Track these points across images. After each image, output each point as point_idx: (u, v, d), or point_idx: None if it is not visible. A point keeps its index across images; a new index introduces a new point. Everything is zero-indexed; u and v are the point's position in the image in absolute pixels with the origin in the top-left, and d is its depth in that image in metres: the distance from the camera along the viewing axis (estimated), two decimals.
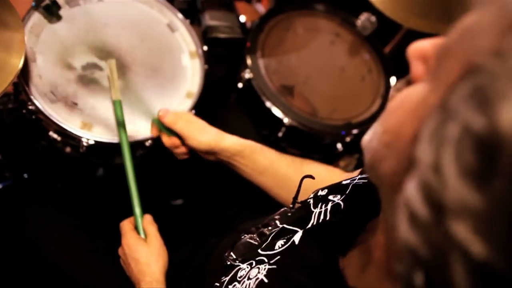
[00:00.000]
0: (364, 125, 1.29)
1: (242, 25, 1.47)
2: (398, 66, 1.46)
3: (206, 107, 1.12)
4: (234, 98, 1.31)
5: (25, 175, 1.31)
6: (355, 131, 1.27)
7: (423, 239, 0.28)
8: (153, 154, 1.13)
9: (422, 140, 0.30)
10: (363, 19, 1.37)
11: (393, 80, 1.42)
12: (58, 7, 0.99)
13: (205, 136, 0.88)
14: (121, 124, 0.93)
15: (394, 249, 0.41)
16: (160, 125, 0.95)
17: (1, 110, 1.06)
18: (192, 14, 1.38)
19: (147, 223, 0.85)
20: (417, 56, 0.38)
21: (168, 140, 0.92)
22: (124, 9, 1.10)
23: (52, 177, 1.28)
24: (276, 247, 0.62)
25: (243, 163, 0.89)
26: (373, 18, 1.36)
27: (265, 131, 1.31)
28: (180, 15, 1.15)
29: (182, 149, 0.93)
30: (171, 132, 0.93)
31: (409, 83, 0.40)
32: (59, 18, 1.01)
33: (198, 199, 1.41)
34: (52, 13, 0.98)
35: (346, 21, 1.47)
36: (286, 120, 1.22)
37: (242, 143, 0.89)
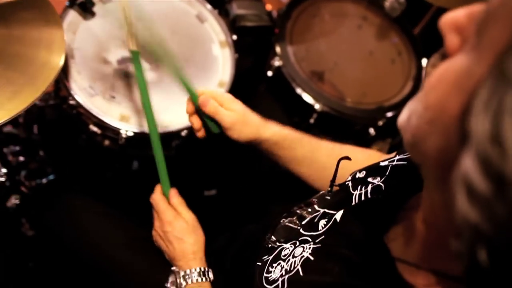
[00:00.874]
0: (397, 108, 1.28)
1: (269, 13, 1.47)
2: (429, 47, 1.43)
3: (236, 97, 1.14)
4: (264, 87, 1.31)
5: (67, 170, 1.36)
6: (389, 114, 1.26)
7: (485, 215, 0.27)
8: (188, 145, 1.15)
9: (475, 112, 0.29)
10: (391, 0, 1.35)
11: (424, 61, 1.39)
12: (92, 3, 1.02)
13: (247, 128, 0.81)
14: (142, 83, 0.88)
15: (446, 227, 0.40)
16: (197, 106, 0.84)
17: (43, 107, 1.11)
18: (219, 5, 1.40)
19: (174, 196, 0.86)
20: (451, 28, 0.37)
21: (197, 123, 0.84)
22: (155, 3, 1.12)
23: (91, 171, 1.33)
24: (320, 227, 0.63)
25: (282, 153, 0.85)
26: None
27: (296, 118, 1.31)
28: (209, 6, 1.16)
29: (201, 133, 0.86)
30: (208, 117, 0.83)
31: (445, 57, 0.39)
32: (93, 14, 1.04)
33: (232, 190, 1.42)
34: (86, 10, 1.01)
35: (373, 3, 1.45)
36: (317, 106, 1.22)
37: (282, 133, 0.85)
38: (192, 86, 0.83)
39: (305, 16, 1.38)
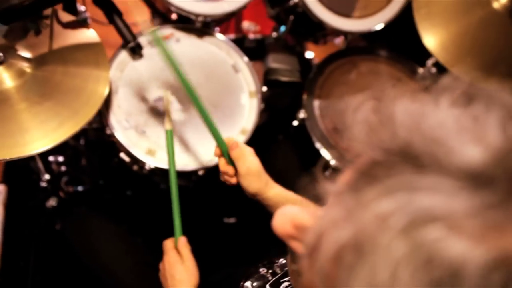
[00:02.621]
0: None
1: (308, 61, 1.56)
2: None
3: (258, 141, 1.22)
4: (284, 135, 1.39)
5: (101, 182, 1.52)
6: None
7: None
8: (206, 179, 1.25)
9: None
10: (424, 69, 1.39)
11: None
12: (141, 48, 1.16)
13: (257, 182, 0.91)
14: (170, 152, 1.02)
15: None
16: (225, 152, 0.96)
17: (87, 129, 1.26)
18: (259, 52, 1.50)
19: (183, 245, 0.96)
20: (285, 237, 0.41)
21: (225, 167, 0.96)
22: (197, 50, 1.25)
23: (117, 188, 1.47)
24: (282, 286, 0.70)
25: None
26: (434, 70, 1.37)
27: (314, 168, 1.37)
28: (246, 58, 1.26)
29: (233, 180, 0.97)
30: (231, 161, 0.96)
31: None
32: (141, 56, 1.18)
33: (251, 217, 1.50)
34: (135, 53, 1.15)
35: (408, 67, 1.49)
36: (333, 163, 1.27)
37: (285, 196, 0.92)
38: (219, 132, 0.95)
39: (339, 72, 1.44)
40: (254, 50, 1.49)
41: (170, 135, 1.04)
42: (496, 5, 1.29)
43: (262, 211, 1.43)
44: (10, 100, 0.91)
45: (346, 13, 1.30)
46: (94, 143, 1.33)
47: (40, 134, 0.89)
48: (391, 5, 1.28)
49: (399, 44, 1.51)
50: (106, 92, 0.98)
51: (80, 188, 1.51)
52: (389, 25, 1.34)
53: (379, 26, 1.26)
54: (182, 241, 0.96)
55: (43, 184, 1.37)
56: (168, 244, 0.97)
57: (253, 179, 0.92)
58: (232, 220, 1.65)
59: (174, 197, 0.98)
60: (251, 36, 1.49)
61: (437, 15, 1.31)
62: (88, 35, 1.05)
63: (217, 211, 1.62)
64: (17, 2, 0.94)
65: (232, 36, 1.49)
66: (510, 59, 1.29)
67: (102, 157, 1.35)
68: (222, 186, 1.40)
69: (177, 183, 0.99)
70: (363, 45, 1.51)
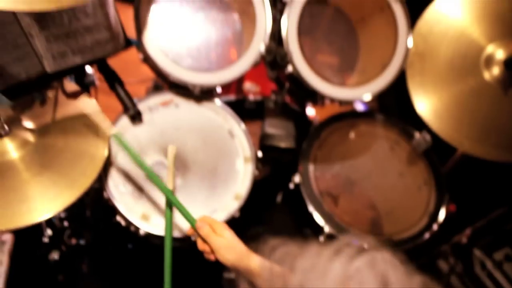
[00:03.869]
0: (405, 244, 1.30)
1: (309, 120, 1.60)
2: (455, 185, 1.46)
3: (254, 205, 1.25)
4: (281, 198, 1.41)
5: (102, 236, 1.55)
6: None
7: None
8: None
9: None
10: (419, 136, 1.41)
11: (446, 198, 1.41)
12: (141, 114, 1.21)
13: (232, 255, 0.93)
14: (169, 213, 1.06)
15: None
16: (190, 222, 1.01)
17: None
18: (259, 113, 1.56)
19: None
20: None
21: (201, 245, 0.99)
22: (194, 115, 1.30)
23: (121, 242, 1.50)
24: None
25: (259, 285, 0.93)
26: (428, 137, 1.39)
27: (308, 230, 1.39)
28: (243, 125, 1.30)
29: (212, 257, 0.99)
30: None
31: None
32: (141, 121, 1.24)
33: None
34: (135, 119, 1.21)
35: (405, 131, 1.51)
36: (326, 229, 1.29)
37: (264, 267, 0.92)
38: (189, 214, 1.01)
39: (336, 136, 1.48)
40: (254, 111, 1.55)
41: (171, 195, 1.06)
42: (487, 76, 1.32)
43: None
44: (13, 170, 0.96)
45: (339, 82, 1.35)
46: (96, 200, 1.37)
47: (40, 204, 0.94)
48: (384, 75, 1.32)
49: (401, 107, 1.54)
50: (100, 170, 1.02)
51: (82, 242, 1.54)
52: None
53: (367, 97, 1.30)
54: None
55: (45, 240, 1.41)
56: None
57: (227, 252, 0.94)
58: (233, 275, 1.65)
59: (167, 255, 1.02)
60: (251, 97, 1.55)
61: (430, 83, 1.35)
62: (91, 105, 1.11)
63: (217, 265, 1.62)
64: (24, 77, 1.01)
65: (233, 97, 1.54)
66: (501, 129, 1.31)
67: (103, 212, 1.39)
68: None
69: (171, 246, 1.03)
70: (361, 110, 1.54)
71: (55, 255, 1.48)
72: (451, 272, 1.65)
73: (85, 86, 1.18)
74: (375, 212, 1.42)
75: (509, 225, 1.50)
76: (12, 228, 0.91)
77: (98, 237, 1.55)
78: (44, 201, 0.95)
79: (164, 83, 1.55)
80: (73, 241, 1.55)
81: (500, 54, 1.31)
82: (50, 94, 1.10)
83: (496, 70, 1.31)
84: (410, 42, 1.32)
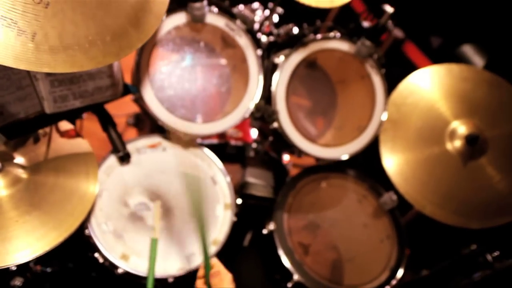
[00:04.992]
0: None
1: (284, 167, 1.68)
2: (414, 237, 1.58)
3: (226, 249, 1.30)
4: (248, 241, 1.48)
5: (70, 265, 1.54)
6: None
7: None
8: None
9: None
10: (386, 196, 1.53)
11: (406, 255, 1.52)
12: (129, 156, 1.25)
13: None
14: (153, 259, 1.14)
15: None
16: (208, 274, 1.04)
17: None
18: (239, 157, 1.63)
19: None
20: None
21: (200, 284, 1.04)
22: (180, 160, 1.35)
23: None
24: None
25: None
26: (395, 197, 1.50)
27: (277, 276, 1.45)
28: (226, 174, 1.37)
29: None
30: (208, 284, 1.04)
31: None
32: (128, 162, 1.28)
33: None
34: (124, 160, 1.25)
35: (373, 188, 1.63)
36: (295, 277, 1.36)
37: None
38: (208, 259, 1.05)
39: (308, 188, 1.57)
40: (234, 155, 1.61)
41: (155, 244, 1.15)
42: (450, 147, 1.46)
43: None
44: (1, 208, 0.98)
45: (310, 123, 1.45)
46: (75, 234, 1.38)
47: (23, 244, 0.96)
48: (360, 138, 1.43)
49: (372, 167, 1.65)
50: (87, 212, 1.05)
51: (48, 270, 1.53)
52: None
53: (344, 157, 1.41)
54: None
55: (12, 268, 1.39)
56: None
57: None
58: None
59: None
60: (233, 142, 1.62)
61: (400, 149, 1.48)
62: (82, 145, 1.15)
63: None
64: (23, 116, 1.04)
65: (216, 141, 1.61)
66: (460, 197, 1.45)
67: (79, 247, 1.39)
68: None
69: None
70: (334, 163, 1.64)
71: (17, 282, 1.46)
72: None
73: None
74: (337, 254, 1.51)
75: (459, 282, 1.62)
76: None
77: (65, 267, 1.54)
78: (30, 241, 0.96)
79: (147, 118, 1.59)
80: (38, 268, 1.53)
81: (462, 129, 1.46)
82: (44, 132, 1.12)
83: (458, 143, 1.46)
84: (385, 115, 1.45)
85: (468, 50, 2.13)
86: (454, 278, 1.65)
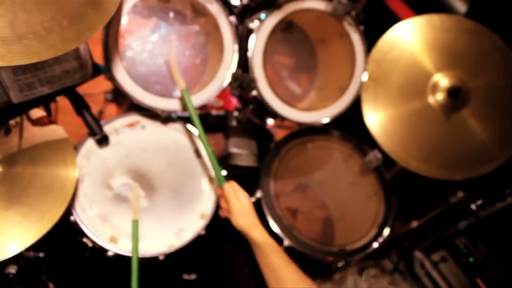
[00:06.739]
0: (357, 253, 1.43)
1: (268, 131, 1.67)
2: (400, 190, 1.60)
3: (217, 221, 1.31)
4: None
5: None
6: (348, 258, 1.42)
7: None
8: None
9: None
10: (371, 154, 1.53)
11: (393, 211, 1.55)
12: (107, 138, 1.22)
13: (242, 220, 1.15)
14: (135, 241, 1.15)
15: None
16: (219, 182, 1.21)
17: None
18: (221, 128, 1.60)
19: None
20: None
21: (223, 203, 1.21)
22: (161, 136, 1.33)
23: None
24: None
25: (259, 254, 1.11)
26: (379, 155, 1.51)
27: None
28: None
29: (225, 214, 1.21)
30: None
31: None
32: (107, 144, 1.25)
33: (212, 275, 1.56)
34: (102, 143, 1.22)
35: (358, 147, 1.63)
36: (286, 242, 1.38)
37: (265, 240, 1.12)
38: (221, 174, 1.21)
39: (294, 152, 1.56)
40: (216, 125, 1.59)
41: (136, 225, 1.16)
42: (431, 100, 1.45)
43: (223, 267, 1.51)
44: None
45: (299, 105, 1.42)
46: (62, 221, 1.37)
47: (8, 239, 0.95)
48: (342, 99, 1.41)
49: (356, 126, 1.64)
50: (68, 202, 1.04)
51: (41, 254, 1.53)
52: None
53: (325, 120, 1.39)
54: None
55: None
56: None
57: (240, 217, 1.15)
58: (192, 276, 1.70)
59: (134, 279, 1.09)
60: (214, 112, 1.58)
61: (383, 106, 1.46)
62: (57, 132, 1.11)
63: (176, 267, 1.67)
64: None
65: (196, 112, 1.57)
66: (443, 151, 1.45)
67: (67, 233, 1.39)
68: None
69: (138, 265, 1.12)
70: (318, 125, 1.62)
71: (11, 269, 1.47)
72: (395, 270, 1.82)
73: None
74: (327, 212, 1.54)
75: (446, 231, 1.67)
76: None
77: (57, 250, 1.55)
78: (14, 236, 0.96)
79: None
80: (31, 254, 1.54)
81: (444, 82, 1.44)
82: (14, 122, 1.08)
83: (440, 96, 1.44)
84: (365, 74, 1.42)
85: None
86: (441, 227, 1.70)
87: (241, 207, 1.16)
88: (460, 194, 1.52)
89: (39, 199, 1.01)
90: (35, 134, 1.09)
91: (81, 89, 1.17)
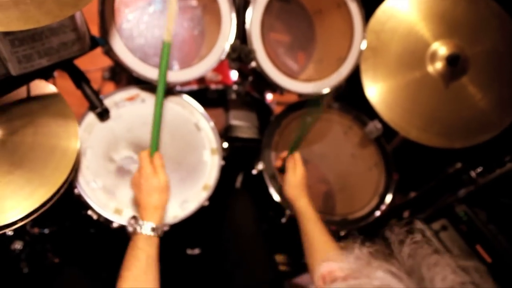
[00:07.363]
0: (359, 222, 1.45)
1: (268, 106, 1.67)
2: (400, 163, 1.61)
3: (218, 190, 1.32)
4: (240, 183, 1.50)
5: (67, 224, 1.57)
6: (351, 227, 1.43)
7: None
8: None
9: None
10: (371, 124, 1.53)
11: (394, 181, 1.56)
12: (108, 111, 1.23)
13: (292, 191, 1.25)
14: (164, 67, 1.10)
15: None
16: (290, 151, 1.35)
17: None
18: (221, 101, 1.61)
19: (158, 158, 1.10)
20: None
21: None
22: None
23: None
24: None
25: (300, 222, 1.19)
26: (379, 125, 1.51)
27: (271, 213, 1.49)
28: (209, 120, 1.35)
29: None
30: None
31: None
32: (108, 118, 1.25)
33: (215, 249, 1.58)
34: (103, 116, 1.22)
35: (358, 118, 1.63)
36: (288, 212, 1.40)
37: (305, 210, 1.19)
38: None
39: (294, 124, 1.57)
40: (216, 100, 1.59)
41: (167, 48, 1.09)
42: (430, 69, 1.45)
43: (226, 242, 1.53)
44: None
45: (291, 59, 1.42)
46: (65, 196, 1.38)
47: (12, 203, 0.95)
48: (341, 70, 1.41)
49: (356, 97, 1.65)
50: (72, 167, 1.04)
51: (46, 231, 1.55)
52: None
53: (326, 91, 1.39)
54: (158, 155, 1.11)
55: (9, 233, 1.41)
56: (143, 156, 1.10)
57: (291, 187, 1.26)
58: (196, 251, 1.73)
59: (157, 111, 1.12)
60: (213, 86, 1.58)
61: (382, 76, 1.46)
62: (50, 90, 1.11)
63: (180, 242, 1.69)
64: None
65: (195, 87, 1.57)
66: (444, 120, 1.46)
67: (71, 206, 1.40)
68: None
69: (163, 95, 1.13)
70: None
71: (17, 245, 1.48)
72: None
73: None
74: (328, 186, 1.55)
75: (446, 199, 1.69)
76: None
77: (62, 226, 1.57)
78: (18, 200, 0.96)
79: (122, 70, 1.54)
80: (36, 230, 1.55)
81: (443, 50, 1.44)
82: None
83: (439, 65, 1.44)
84: (364, 44, 1.41)
85: None
86: (441, 196, 1.71)
87: (294, 180, 1.26)
88: (458, 165, 1.53)
89: (42, 164, 1.01)
90: (34, 100, 1.09)
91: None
